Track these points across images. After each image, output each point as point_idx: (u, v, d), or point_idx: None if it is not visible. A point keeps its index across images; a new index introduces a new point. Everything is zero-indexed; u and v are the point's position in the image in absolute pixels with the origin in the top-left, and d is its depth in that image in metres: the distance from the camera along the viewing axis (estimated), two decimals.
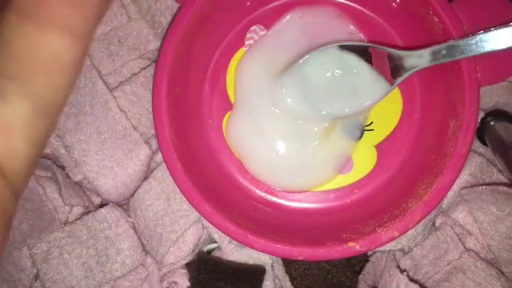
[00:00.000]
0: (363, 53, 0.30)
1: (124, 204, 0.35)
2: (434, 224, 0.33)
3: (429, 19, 0.30)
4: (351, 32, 0.33)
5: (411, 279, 0.31)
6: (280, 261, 0.34)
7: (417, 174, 0.31)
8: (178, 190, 0.30)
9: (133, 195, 0.34)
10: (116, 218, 0.33)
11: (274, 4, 0.34)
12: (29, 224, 0.32)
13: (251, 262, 0.34)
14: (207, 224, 0.33)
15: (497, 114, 0.34)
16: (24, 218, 0.32)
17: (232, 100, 0.34)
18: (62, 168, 0.34)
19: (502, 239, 0.31)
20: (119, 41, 0.35)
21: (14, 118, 0.17)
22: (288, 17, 0.34)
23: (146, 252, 0.34)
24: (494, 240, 0.31)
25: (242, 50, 0.34)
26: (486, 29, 0.27)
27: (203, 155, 0.33)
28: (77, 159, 0.33)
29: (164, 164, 0.32)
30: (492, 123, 0.33)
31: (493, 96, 0.34)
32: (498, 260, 0.31)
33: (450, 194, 0.32)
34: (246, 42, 0.34)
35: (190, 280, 0.33)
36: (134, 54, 0.35)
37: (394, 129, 0.33)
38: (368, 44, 0.32)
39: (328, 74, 0.31)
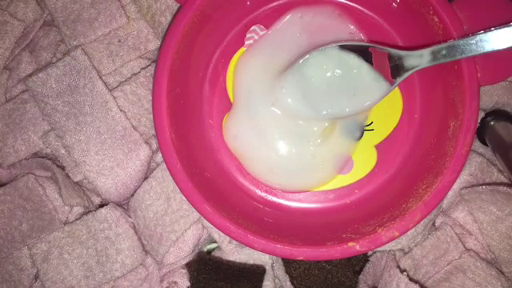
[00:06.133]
0: (363, 53, 0.30)
1: (124, 204, 0.35)
2: (434, 224, 0.33)
3: (429, 19, 0.30)
4: (351, 32, 0.33)
5: (411, 279, 0.31)
6: (280, 261, 0.34)
7: (417, 173, 0.31)
8: (178, 190, 0.30)
9: (133, 195, 0.34)
10: (116, 217, 0.33)
11: (274, 4, 0.34)
12: (29, 224, 0.32)
13: (251, 262, 0.34)
14: (207, 224, 0.33)
15: (497, 114, 0.34)
16: (24, 218, 0.32)
17: (232, 100, 0.34)
18: (62, 168, 0.34)
19: (501, 239, 0.31)
20: (119, 41, 0.35)
21: None
22: (288, 17, 0.34)
23: (146, 252, 0.34)
24: (494, 240, 0.31)
25: (242, 49, 0.34)
26: (486, 29, 0.27)
27: (203, 155, 0.33)
28: (77, 159, 0.33)
29: (164, 164, 0.32)
30: (492, 123, 0.33)
31: (493, 96, 0.34)
32: (498, 260, 0.31)
33: (450, 193, 0.32)
34: (246, 42, 0.34)
35: (190, 280, 0.33)
36: (134, 53, 0.35)
37: (394, 129, 0.33)
38: (368, 44, 0.32)
39: (328, 74, 0.31)
